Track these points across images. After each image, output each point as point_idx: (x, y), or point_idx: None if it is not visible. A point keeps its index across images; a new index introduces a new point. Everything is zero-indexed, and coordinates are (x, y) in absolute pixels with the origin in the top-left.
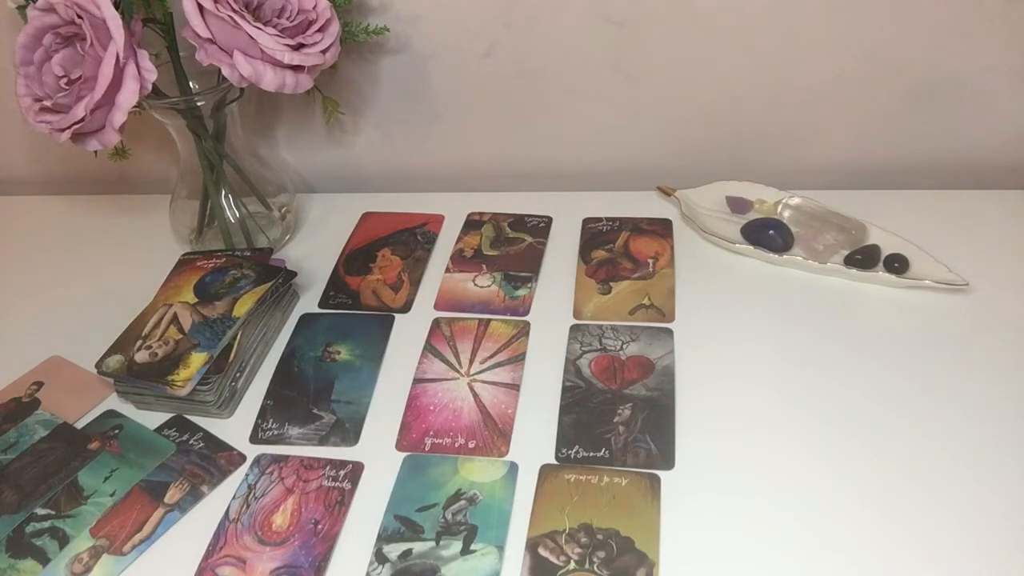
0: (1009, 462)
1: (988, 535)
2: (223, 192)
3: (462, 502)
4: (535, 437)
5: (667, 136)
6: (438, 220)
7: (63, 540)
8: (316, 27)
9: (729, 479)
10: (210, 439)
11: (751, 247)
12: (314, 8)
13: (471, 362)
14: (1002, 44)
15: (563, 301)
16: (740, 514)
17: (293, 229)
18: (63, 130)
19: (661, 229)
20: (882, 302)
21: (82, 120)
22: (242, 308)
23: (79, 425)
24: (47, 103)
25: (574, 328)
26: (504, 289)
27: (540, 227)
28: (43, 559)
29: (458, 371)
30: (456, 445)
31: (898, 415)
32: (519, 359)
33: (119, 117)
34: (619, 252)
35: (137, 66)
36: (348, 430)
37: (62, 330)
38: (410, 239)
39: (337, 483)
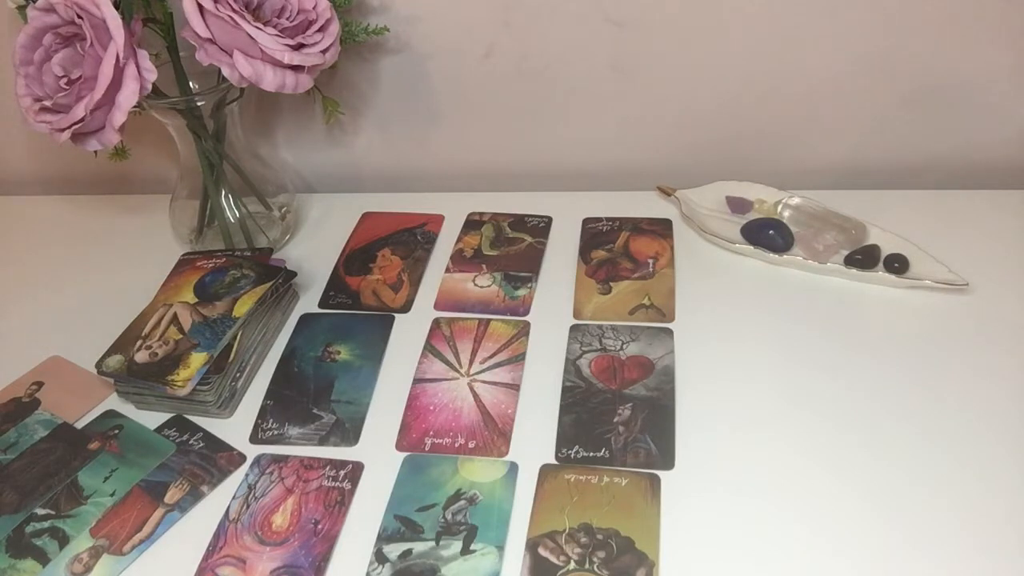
0: (1009, 462)
1: (988, 534)
2: (223, 192)
3: (462, 502)
4: (535, 437)
5: (667, 136)
6: (438, 220)
7: (63, 540)
8: (316, 27)
9: (729, 479)
10: (210, 439)
11: (751, 247)
12: (314, 8)
13: (471, 362)
14: (1002, 44)
15: (563, 301)
16: (740, 514)
17: (293, 229)
18: (63, 130)
19: (661, 229)
20: (882, 302)
21: (82, 120)
22: (242, 308)
23: (79, 425)
24: (47, 103)
25: (574, 328)
26: (504, 289)
27: (540, 227)
28: (43, 559)
29: (458, 371)
30: (456, 445)
31: (898, 415)
32: (519, 359)
33: (119, 117)
34: (619, 252)
35: (137, 66)
36: (348, 430)
37: (62, 330)
38: (410, 239)
39: (337, 483)
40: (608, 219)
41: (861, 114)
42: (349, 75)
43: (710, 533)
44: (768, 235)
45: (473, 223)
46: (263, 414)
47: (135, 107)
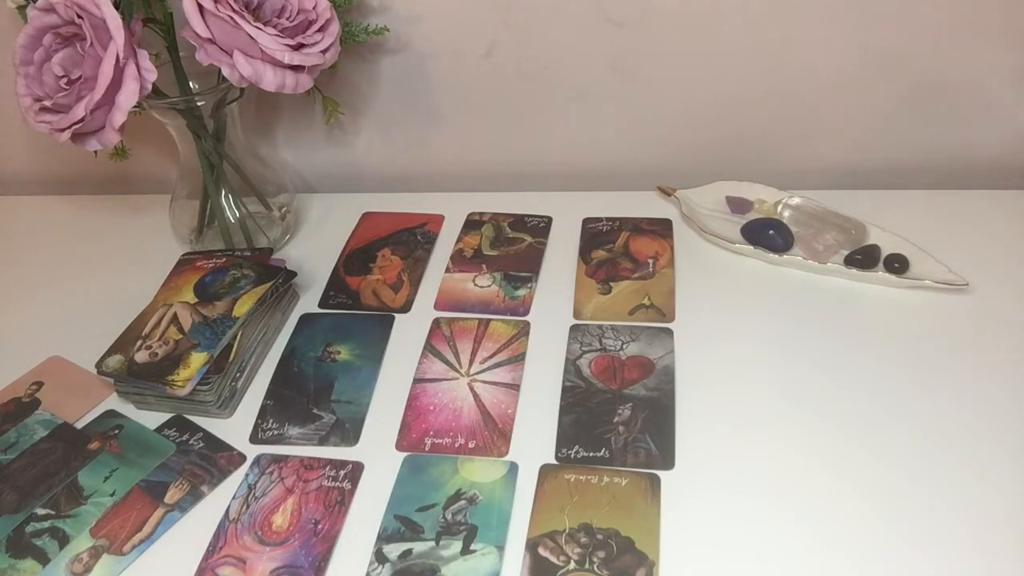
0: (1009, 462)
1: (988, 534)
2: (223, 192)
3: (462, 502)
4: (535, 437)
5: (667, 136)
6: (438, 220)
7: (63, 540)
8: (316, 27)
9: (729, 479)
10: (210, 439)
11: (751, 247)
12: (314, 8)
13: (471, 362)
14: (1002, 44)
15: (563, 301)
16: (740, 514)
17: (293, 229)
18: (63, 130)
19: (661, 229)
20: (882, 302)
21: (82, 120)
22: (242, 308)
23: (79, 425)
24: (47, 103)
25: (574, 328)
26: (504, 289)
27: (540, 227)
28: (43, 559)
29: (458, 371)
30: (456, 445)
31: (898, 415)
32: (519, 359)
33: (119, 117)
34: (619, 252)
35: (137, 66)
36: (348, 430)
37: (62, 330)
38: (410, 239)
39: (337, 483)
40: (608, 219)
41: (861, 114)
42: (349, 75)
43: (710, 533)
44: (768, 235)
45: (473, 223)
46: (263, 414)
47: (135, 107)
